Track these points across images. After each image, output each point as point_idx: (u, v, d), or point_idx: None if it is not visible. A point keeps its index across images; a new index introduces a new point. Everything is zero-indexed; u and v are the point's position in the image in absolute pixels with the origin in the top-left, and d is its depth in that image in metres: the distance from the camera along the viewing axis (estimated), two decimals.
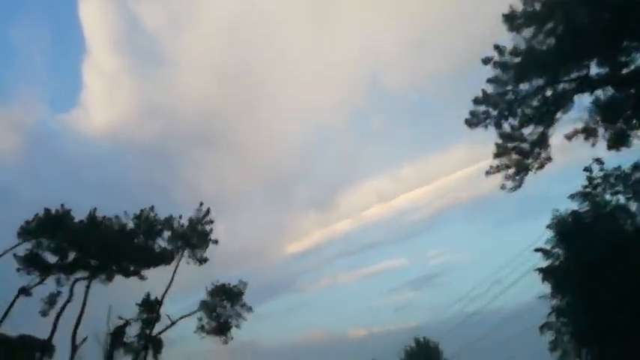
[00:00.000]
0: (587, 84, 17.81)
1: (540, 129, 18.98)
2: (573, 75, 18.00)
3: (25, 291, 31.91)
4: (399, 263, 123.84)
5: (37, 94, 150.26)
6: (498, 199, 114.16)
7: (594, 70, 17.68)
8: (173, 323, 34.46)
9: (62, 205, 35.17)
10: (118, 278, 34.76)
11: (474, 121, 19.35)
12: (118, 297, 35.45)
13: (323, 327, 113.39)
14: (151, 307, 34.98)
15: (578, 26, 16.56)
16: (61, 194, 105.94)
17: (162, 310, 34.72)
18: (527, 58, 17.76)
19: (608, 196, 24.31)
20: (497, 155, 19.43)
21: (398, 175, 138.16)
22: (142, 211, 35.99)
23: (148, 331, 34.54)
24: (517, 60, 18.12)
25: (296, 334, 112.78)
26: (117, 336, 33.20)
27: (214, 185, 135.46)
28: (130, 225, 35.40)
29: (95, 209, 35.43)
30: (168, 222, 36.08)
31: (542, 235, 24.19)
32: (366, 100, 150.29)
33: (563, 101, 18.45)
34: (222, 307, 36.41)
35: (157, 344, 34.88)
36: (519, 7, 17.69)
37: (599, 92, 17.88)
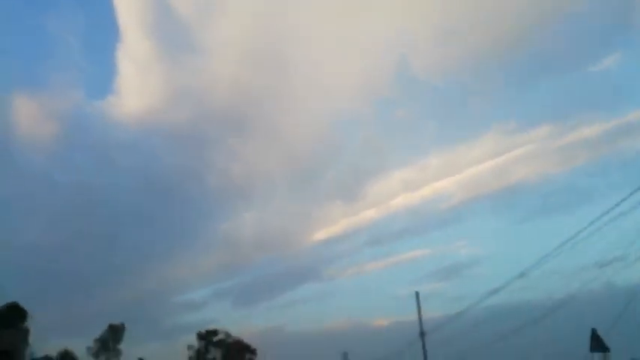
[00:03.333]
0: None
1: None
2: None
3: None
4: (425, 253, 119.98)
5: (73, 80, 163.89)
6: (526, 190, 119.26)
7: None
8: None
9: None
10: None
11: None
12: None
13: (348, 315, 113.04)
14: None
15: None
16: (95, 179, 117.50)
17: None
18: None
19: None
20: None
21: (425, 164, 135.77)
22: None
23: None
24: None
25: (322, 322, 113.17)
26: None
27: (244, 171, 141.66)
28: None
29: None
30: None
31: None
32: (394, 88, 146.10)
33: None
34: None
35: None
36: None
37: None
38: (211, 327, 79.49)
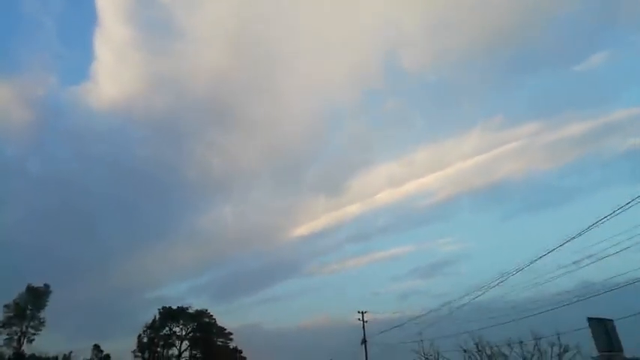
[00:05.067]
0: None
1: None
2: None
3: None
4: (408, 249, 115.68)
5: (48, 64, 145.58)
6: (512, 187, 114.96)
7: None
8: None
9: None
10: None
11: None
12: None
13: (327, 311, 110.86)
14: None
15: None
16: (69, 168, 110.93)
17: None
18: None
19: None
20: None
21: (410, 159, 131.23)
22: None
23: None
24: None
25: (301, 318, 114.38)
26: None
27: (225, 164, 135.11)
28: None
29: None
30: None
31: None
32: (381, 80, 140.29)
33: None
34: None
35: None
36: None
37: None
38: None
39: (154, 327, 61.45)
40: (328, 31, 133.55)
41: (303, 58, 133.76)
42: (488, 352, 32.87)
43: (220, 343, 65.32)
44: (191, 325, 62.55)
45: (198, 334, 62.57)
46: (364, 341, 41.46)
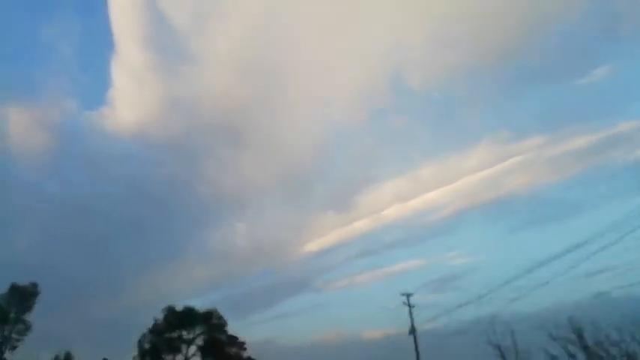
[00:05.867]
0: None
1: None
2: None
3: None
4: (417, 264, 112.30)
5: (67, 90, 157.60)
6: (519, 201, 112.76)
7: None
8: None
9: None
10: None
11: None
12: None
13: (339, 327, 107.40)
14: None
15: None
16: (86, 191, 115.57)
17: None
18: None
19: None
20: None
21: (417, 175, 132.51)
22: None
23: None
24: None
25: (312, 334, 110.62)
26: None
27: (236, 182, 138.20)
28: None
29: None
30: None
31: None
32: (388, 98, 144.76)
33: None
34: None
35: None
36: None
37: None
38: None
39: (156, 330, 54.72)
40: (337, 54, 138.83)
41: (312, 80, 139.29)
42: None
43: (233, 354, 57.97)
44: (199, 327, 55.58)
45: (207, 338, 55.57)
46: (413, 330, 37.66)
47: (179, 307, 55.71)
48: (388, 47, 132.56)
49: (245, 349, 58.65)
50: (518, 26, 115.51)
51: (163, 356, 53.75)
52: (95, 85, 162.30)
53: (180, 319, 55.01)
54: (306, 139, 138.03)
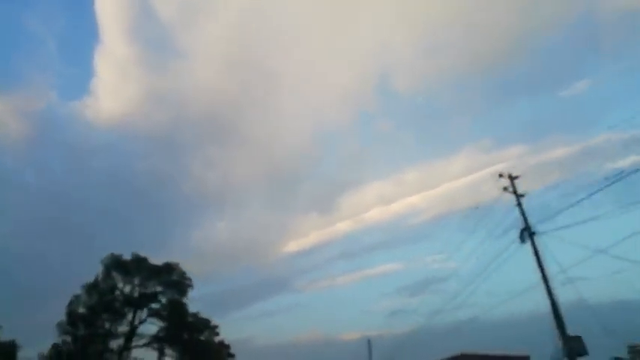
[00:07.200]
0: None
1: None
2: None
3: None
4: (397, 267, 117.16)
5: (49, 80, 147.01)
6: (497, 209, 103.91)
7: None
8: None
9: None
10: None
11: None
12: None
13: (317, 328, 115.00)
14: None
15: None
16: (67, 181, 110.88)
17: None
18: None
19: None
20: None
21: (400, 178, 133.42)
22: None
23: None
24: None
25: (291, 334, 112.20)
26: None
27: (220, 179, 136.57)
28: None
29: None
30: None
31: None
32: (374, 101, 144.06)
33: None
34: None
35: None
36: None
37: None
38: None
39: (96, 288, 39.59)
40: (325, 55, 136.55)
41: (299, 80, 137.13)
42: None
43: (203, 339, 42.27)
44: (154, 283, 40.34)
45: (164, 301, 40.21)
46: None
47: (127, 257, 40.66)
48: (377, 49, 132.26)
49: (217, 333, 43.12)
50: (506, 37, 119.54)
51: (100, 324, 38.35)
52: (78, 76, 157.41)
53: (126, 272, 39.91)
54: (292, 139, 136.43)
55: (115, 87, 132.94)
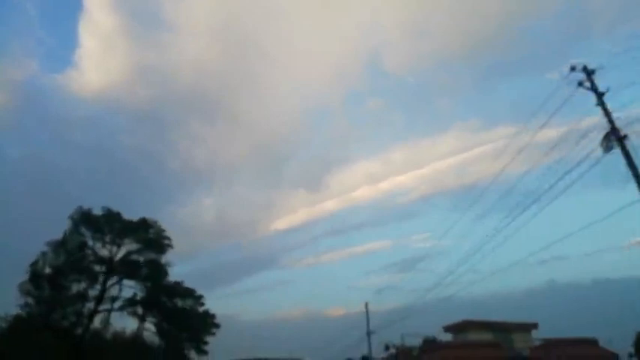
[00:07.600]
0: None
1: None
2: None
3: None
4: (383, 245, 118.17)
5: (29, 50, 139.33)
6: (484, 189, 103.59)
7: None
8: None
9: None
10: None
11: None
12: None
13: (303, 304, 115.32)
14: None
15: None
16: (48, 154, 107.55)
17: None
18: None
19: None
20: None
21: (389, 157, 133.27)
22: None
23: None
24: None
25: (277, 310, 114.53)
26: None
27: (207, 155, 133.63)
28: None
29: None
30: None
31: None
32: (363, 80, 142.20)
33: None
34: None
35: None
36: None
37: None
38: None
39: (64, 246, 35.09)
40: (314, 32, 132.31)
41: (288, 57, 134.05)
42: None
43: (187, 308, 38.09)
44: (129, 241, 35.87)
45: (140, 260, 35.83)
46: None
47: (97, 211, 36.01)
48: (367, 28, 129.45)
49: (203, 303, 39.02)
50: (496, 20, 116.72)
51: (68, 285, 34.04)
52: (61, 46, 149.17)
53: (97, 228, 35.35)
54: (281, 117, 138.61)
55: (99, 59, 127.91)
